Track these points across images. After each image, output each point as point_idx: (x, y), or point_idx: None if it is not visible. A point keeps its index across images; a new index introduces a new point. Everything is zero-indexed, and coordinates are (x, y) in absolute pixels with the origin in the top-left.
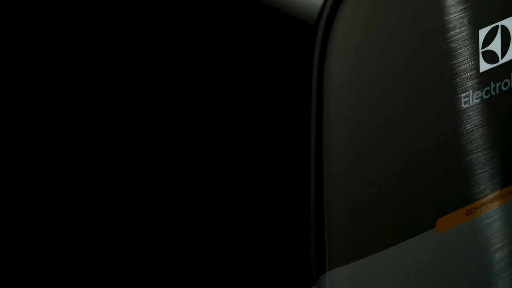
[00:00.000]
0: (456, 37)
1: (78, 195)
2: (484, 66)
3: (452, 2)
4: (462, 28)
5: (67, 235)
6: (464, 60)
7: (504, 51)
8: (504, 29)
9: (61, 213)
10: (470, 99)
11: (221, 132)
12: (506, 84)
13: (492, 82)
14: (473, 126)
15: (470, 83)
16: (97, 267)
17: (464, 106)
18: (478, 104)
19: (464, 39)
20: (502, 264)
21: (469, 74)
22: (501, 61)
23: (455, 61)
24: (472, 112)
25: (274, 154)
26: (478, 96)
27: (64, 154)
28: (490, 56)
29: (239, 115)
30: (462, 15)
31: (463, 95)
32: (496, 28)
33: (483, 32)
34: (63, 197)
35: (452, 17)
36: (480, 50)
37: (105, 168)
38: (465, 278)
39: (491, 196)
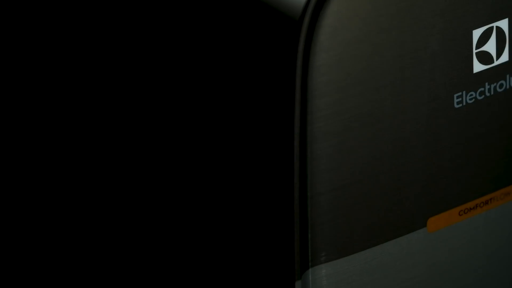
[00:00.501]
0: (448, 37)
1: (60, 195)
2: (478, 67)
3: (446, 2)
4: (455, 28)
5: (54, 235)
6: (456, 60)
7: (499, 53)
8: (500, 30)
9: (48, 212)
10: (463, 99)
11: (203, 128)
12: (501, 85)
13: (486, 83)
14: (467, 126)
15: (463, 84)
16: (80, 267)
17: (457, 106)
18: (471, 105)
19: (457, 39)
20: (494, 268)
21: (462, 74)
22: (496, 63)
23: (447, 61)
24: (466, 113)
25: (258, 150)
26: (472, 96)
27: (50, 155)
28: (485, 57)
29: (222, 111)
30: (455, 14)
31: (455, 95)
32: (491, 29)
33: (477, 33)
34: (51, 196)
35: (445, 17)
36: (474, 51)
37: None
38: (456, 279)
39: (485, 197)
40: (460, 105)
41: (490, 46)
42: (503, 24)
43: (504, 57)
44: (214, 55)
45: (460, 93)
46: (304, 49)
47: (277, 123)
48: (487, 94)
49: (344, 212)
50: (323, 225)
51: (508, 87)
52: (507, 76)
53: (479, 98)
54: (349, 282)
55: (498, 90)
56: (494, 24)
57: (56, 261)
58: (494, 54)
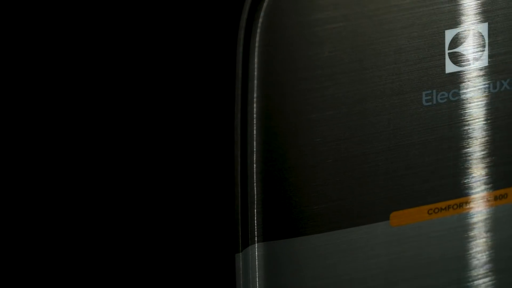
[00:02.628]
0: (417, 33)
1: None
2: (451, 67)
3: None
4: (426, 26)
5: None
6: (424, 57)
7: (477, 56)
8: (477, 34)
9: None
10: (434, 98)
11: (142, 109)
12: (479, 90)
13: (461, 85)
14: (438, 126)
15: (433, 82)
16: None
17: (426, 104)
18: (443, 105)
19: (427, 37)
20: (465, 273)
21: (432, 73)
22: (473, 66)
23: (415, 57)
24: (437, 112)
25: (200, 128)
26: (444, 96)
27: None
28: (459, 59)
29: (162, 92)
30: (425, 12)
31: (424, 92)
32: (467, 31)
33: (450, 34)
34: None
35: (413, 13)
36: (447, 51)
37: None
38: (420, 278)
39: (459, 200)
40: (430, 103)
41: (466, 49)
42: (482, 28)
43: (483, 62)
44: (152, 35)
45: (429, 91)
46: (245, 31)
47: (219, 101)
48: (462, 96)
49: (291, 194)
50: (266, 204)
51: (486, 92)
52: (486, 80)
53: (452, 99)
54: (293, 263)
55: (475, 94)
56: (471, 27)
57: (42, 261)
58: (470, 57)
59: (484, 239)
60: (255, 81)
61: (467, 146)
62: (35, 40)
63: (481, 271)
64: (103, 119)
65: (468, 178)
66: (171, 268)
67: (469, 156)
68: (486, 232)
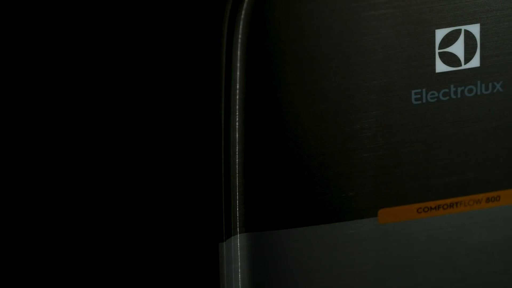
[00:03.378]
0: (406, 31)
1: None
2: (441, 67)
3: None
4: (415, 24)
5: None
6: (416, 56)
7: (468, 57)
8: (469, 35)
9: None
10: (423, 97)
11: (127, 100)
12: (470, 90)
13: (452, 86)
14: (428, 125)
15: (423, 81)
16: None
17: (415, 102)
18: (434, 104)
19: (416, 35)
20: (453, 274)
21: (422, 71)
22: (464, 66)
23: (404, 56)
24: (426, 111)
25: (184, 118)
26: (434, 96)
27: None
28: (450, 59)
29: (146, 83)
30: (415, 10)
31: (413, 91)
32: (458, 31)
33: (440, 33)
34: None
35: (402, 10)
36: (437, 51)
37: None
38: (407, 275)
39: (450, 200)
40: (419, 102)
41: (457, 49)
42: (474, 29)
43: (475, 62)
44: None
45: (419, 90)
46: (229, 19)
47: (204, 92)
48: (453, 96)
49: (273, 186)
50: (249, 195)
51: (478, 93)
52: (478, 82)
53: (442, 98)
54: (277, 255)
55: (467, 94)
56: (462, 27)
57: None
58: (461, 57)
59: (474, 241)
60: (238, 73)
61: (458, 146)
62: (22, 41)
63: (470, 273)
64: (89, 106)
65: (459, 178)
66: (155, 257)
67: (460, 156)
68: (477, 234)
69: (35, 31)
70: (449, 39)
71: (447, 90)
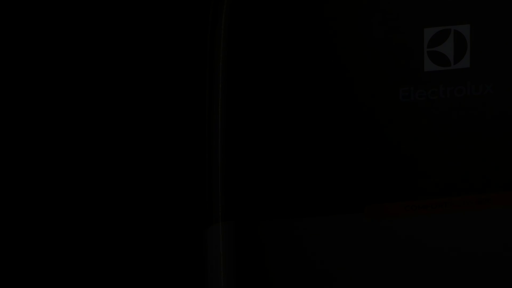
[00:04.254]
0: (394, 29)
1: None
2: (430, 66)
3: None
4: (403, 22)
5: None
6: (404, 54)
7: (458, 57)
8: (458, 35)
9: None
10: (411, 95)
11: (113, 90)
12: (460, 91)
13: (441, 85)
14: (416, 123)
15: (411, 79)
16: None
17: (403, 100)
18: (422, 102)
19: (404, 33)
20: (441, 275)
21: (410, 70)
22: (453, 66)
23: (392, 53)
24: (414, 109)
25: (170, 107)
26: (422, 94)
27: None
28: (439, 58)
29: (133, 73)
30: (403, 9)
31: (401, 89)
32: (447, 31)
33: (429, 32)
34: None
35: (391, 8)
36: (425, 49)
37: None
38: (385, 273)
39: (440, 199)
40: (407, 99)
41: (446, 48)
42: (463, 29)
43: (465, 63)
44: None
45: (406, 88)
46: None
47: (189, 81)
48: (442, 95)
49: (256, 177)
50: (232, 184)
51: (468, 93)
52: (468, 82)
53: (431, 97)
54: (261, 245)
55: (456, 95)
56: (452, 27)
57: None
58: (451, 57)
59: (462, 243)
60: (220, 63)
61: (449, 146)
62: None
63: (456, 275)
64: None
65: (448, 179)
66: (140, 243)
67: (451, 157)
68: (466, 236)
69: (25, 31)
70: (438, 39)
71: (435, 89)
